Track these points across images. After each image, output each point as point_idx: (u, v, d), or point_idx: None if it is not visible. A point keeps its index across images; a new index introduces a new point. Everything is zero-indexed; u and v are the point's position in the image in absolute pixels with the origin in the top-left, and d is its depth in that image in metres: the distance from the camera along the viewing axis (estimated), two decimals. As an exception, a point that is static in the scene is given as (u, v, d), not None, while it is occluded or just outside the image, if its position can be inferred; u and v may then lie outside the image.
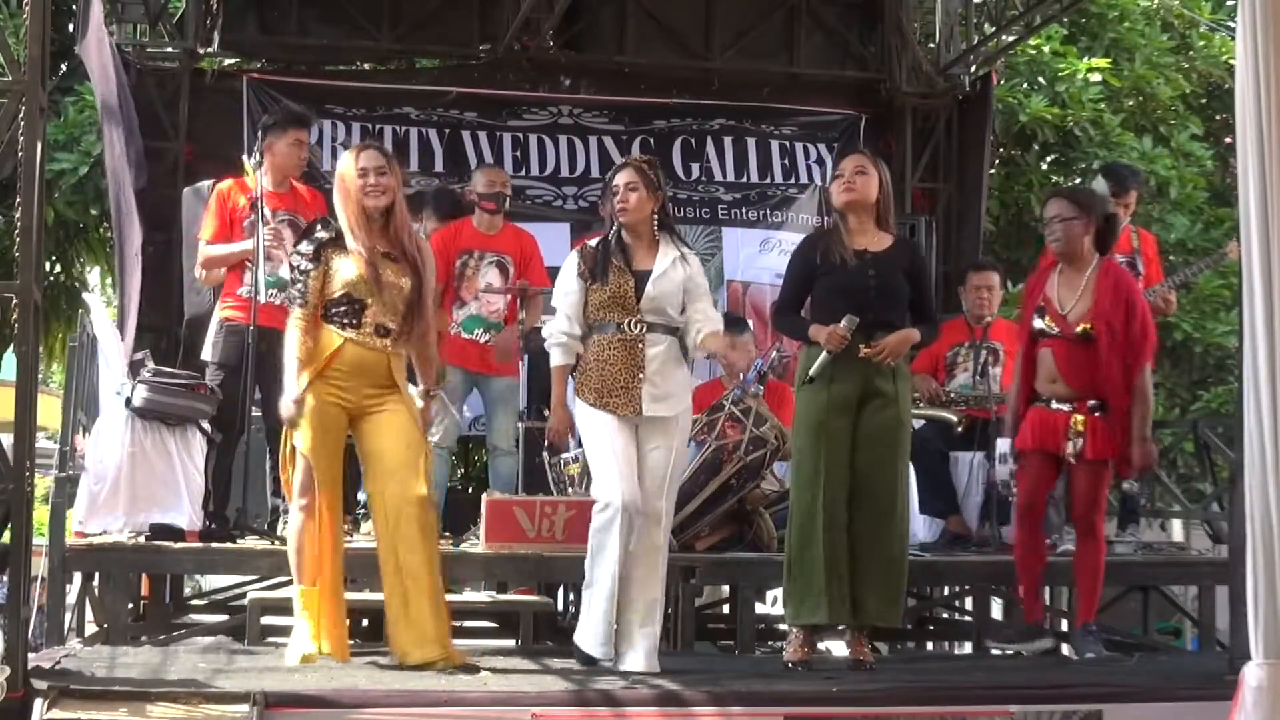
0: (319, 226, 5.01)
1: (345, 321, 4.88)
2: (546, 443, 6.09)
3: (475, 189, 6.99)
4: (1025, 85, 10.76)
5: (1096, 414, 5.35)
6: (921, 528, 7.16)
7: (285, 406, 4.85)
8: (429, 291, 5.01)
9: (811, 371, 5.03)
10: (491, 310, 6.79)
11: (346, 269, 4.90)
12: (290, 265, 5.05)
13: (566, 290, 5.13)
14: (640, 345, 5.01)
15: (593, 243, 5.18)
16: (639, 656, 4.97)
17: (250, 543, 6.09)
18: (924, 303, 5.22)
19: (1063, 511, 7.11)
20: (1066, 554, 6.71)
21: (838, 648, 5.32)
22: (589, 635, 5.02)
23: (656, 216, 5.14)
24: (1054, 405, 5.40)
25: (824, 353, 5.01)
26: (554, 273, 6.95)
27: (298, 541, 4.93)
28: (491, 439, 6.94)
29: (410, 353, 5.02)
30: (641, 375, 4.98)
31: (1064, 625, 7.74)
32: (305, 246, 4.95)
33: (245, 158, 6.43)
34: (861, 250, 5.12)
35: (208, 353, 6.38)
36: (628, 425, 5.01)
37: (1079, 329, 5.35)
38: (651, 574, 5.04)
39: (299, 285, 4.91)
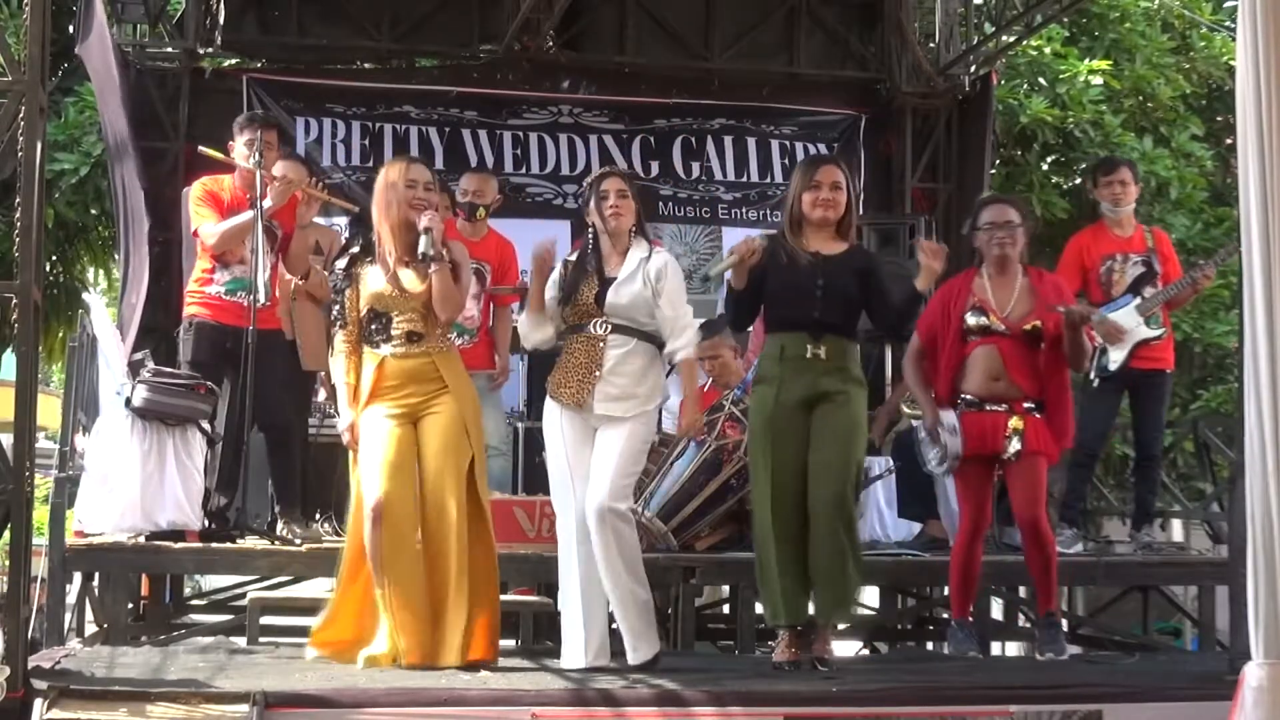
0: (351, 243, 5.07)
1: (379, 339, 4.94)
2: None
3: (457, 194, 7.02)
4: (1026, 86, 10.76)
5: (1034, 414, 5.40)
6: (894, 530, 7.16)
7: (345, 433, 4.97)
8: (459, 286, 5.02)
9: (710, 271, 5.08)
10: (465, 316, 6.78)
11: (373, 281, 4.95)
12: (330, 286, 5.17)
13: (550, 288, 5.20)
14: (602, 345, 5.06)
15: (573, 256, 5.22)
16: (637, 655, 5.03)
17: (250, 543, 6.08)
18: (881, 308, 5.18)
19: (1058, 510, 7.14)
20: (1063, 555, 6.72)
21: (839, 648, 5.33)
22: (572, 651, 5.03)
23: (635, 223, 5.20)
24: (988, 408, 5.41)
25: (728, 258, 5.03)
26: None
27: (369, 548, 4.88)
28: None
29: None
30: (598, 373, 5.03)
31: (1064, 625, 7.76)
32: (339, 265, 5.03)
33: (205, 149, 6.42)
34: (814, 252, 5.13)
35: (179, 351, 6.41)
36: (585, 429, 5.07)
37: (1027, 327, 5.41)
38: (624, 565, 5.01)
39: (337, 306, 5.00)
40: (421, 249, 4.87)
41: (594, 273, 5.10)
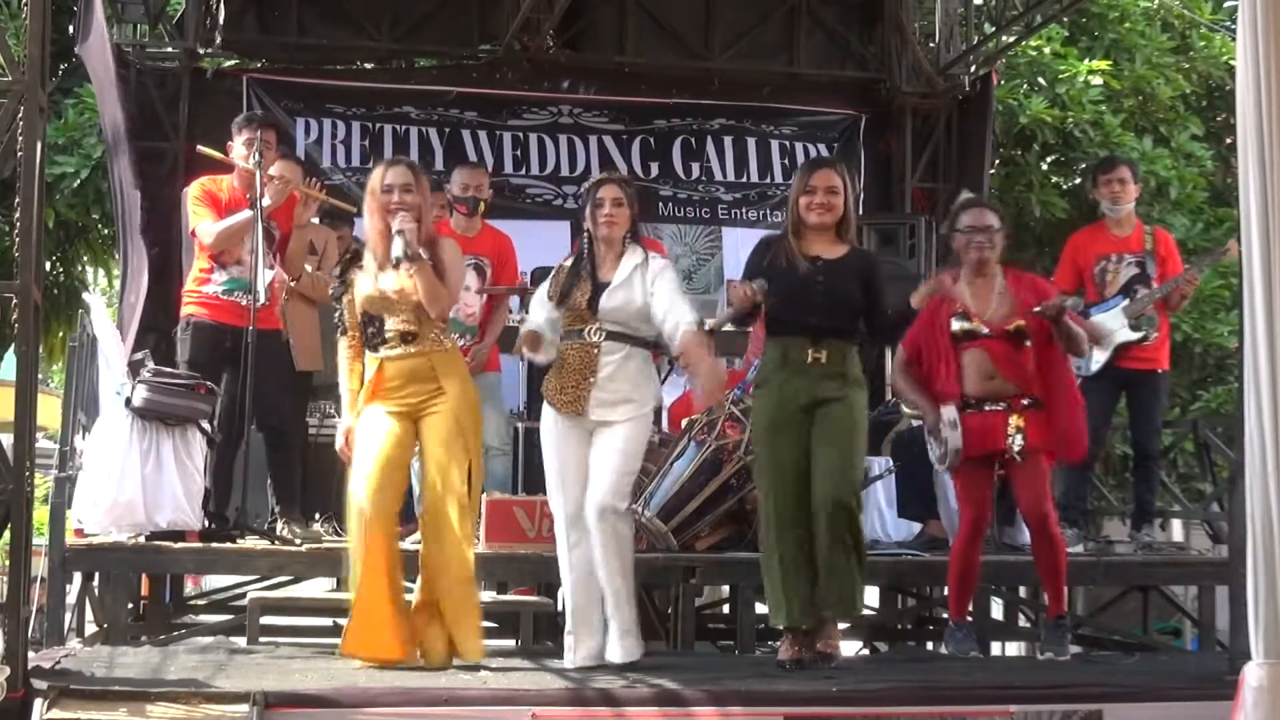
0: (350, 249, 5.14)
1: (376, 342, 4.98)
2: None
3: (451, 190, 6.96)
4: (1025, 86, 10.76)
5: (1033, 410, 5.41)
6: (895, 530, 7.16)
7: (340, 437, 5.03)
8: (446, 281, 5.02)
9: (710, 324, 5.16)
10: (468, 314, 6.76)
11: (363, 285, 5.00)
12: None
13: (538, 305, 5.28)
14: (596, 351, 5.07)
15: (569, 262, 5.23)
16: (615, 647, 5.03)
17: (250, 543, 6.08)
18: (876, 313, 5.23)
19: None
20: (1074, 554, 6.71)
21: (845, 647, 5.32)
22: (567, 650, 5.11)
23: (629, 230, 5.21)
24: (986, 407, 5.43)
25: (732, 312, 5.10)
26: (544, 272, 7.00)
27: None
28: (484, 439, 6.89)
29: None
30: (592, 380, 5.05)
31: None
32: (337, 272, 5.10)
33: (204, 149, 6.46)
34: (814, 257, 5.15)
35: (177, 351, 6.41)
36: (580, 431, 5.09)
37: (1009, 328, 5.43)
38: (619, 564, 5.04)
39: (338, 314, 5.08)
40: (394, 253, 4.89)
41: (588, 277, 5.12)
